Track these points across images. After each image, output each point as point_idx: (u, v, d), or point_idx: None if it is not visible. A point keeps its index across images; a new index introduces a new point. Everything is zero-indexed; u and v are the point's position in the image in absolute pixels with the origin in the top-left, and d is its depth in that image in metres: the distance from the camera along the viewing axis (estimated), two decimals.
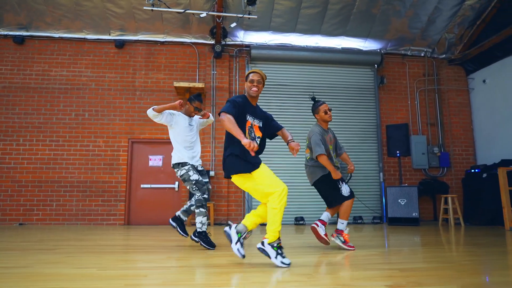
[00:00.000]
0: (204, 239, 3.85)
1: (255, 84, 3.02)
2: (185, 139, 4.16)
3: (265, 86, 8.21)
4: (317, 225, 3.82)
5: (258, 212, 3.00)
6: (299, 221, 7.46)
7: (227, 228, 3.00)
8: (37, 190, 7.38)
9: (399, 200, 7.02)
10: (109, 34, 7.94)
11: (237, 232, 2.92)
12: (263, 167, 2.88)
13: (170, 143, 4.31)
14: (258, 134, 3.08)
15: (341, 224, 3.80)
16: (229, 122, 2.75)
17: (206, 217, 3.92)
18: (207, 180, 4.14)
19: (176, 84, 7.37)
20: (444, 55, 8.71)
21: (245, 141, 2.62)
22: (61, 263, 2.89)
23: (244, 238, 2.94)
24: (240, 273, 2.55)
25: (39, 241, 4.42)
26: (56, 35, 7.86)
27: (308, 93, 8.28)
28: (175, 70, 8.07)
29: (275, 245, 2.80)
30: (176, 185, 7.67)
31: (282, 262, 2.75)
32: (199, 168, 4.20)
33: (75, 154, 7.59)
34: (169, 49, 8.14)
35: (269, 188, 2.77)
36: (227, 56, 8.14)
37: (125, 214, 7.47)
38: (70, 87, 7.79)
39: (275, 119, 3.41)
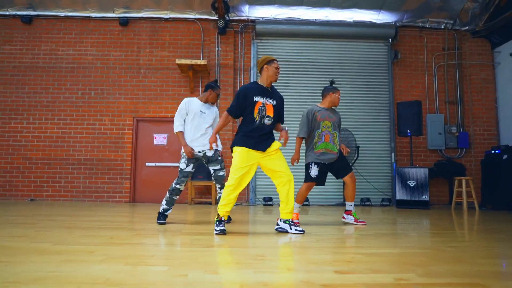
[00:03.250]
0: (160, 217, 3.99)
1: (279, 71, 3.37)
2: (194, 125, 4.04)
3: None
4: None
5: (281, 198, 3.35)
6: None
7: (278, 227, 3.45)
8: (46, 167, 7.59)
9: (408, 182, 6.65)
10: (113, 12, 7.87)
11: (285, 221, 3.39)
12: (237, 151, 3.22)
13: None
14: (270, 113, 3.27)
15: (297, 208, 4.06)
16: (221, 119, 3.31)
17: (168, 205, 3.98)
18: (217, 167, 4.04)
19: (178, 61, 7.23)
20: (466, 27, 8.02)
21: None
22: (24, 237, 2.87)
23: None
24: (182, 252, 2.42)
25: (23, 216, 4.50)
26: (62, 14, 7.88)
27: (316, 69, 7.92)
28: (179, 47, 7.93)
29: (219, 219, 3.26)
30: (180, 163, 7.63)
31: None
32: (209, 154, 4.02)
33: (81, 132, 7.69)
34: (173, 26, 7.98)
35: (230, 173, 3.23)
36: (232, 32, 7.88)
37: (130, 191, 7.56)
38: (76, 66, 7.85)
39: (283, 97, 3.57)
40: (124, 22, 7.87)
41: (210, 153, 4.04)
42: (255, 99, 3.24)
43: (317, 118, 4.03)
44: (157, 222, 4.00)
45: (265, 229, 3.63)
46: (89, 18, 7.94)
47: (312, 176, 4.01)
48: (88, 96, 7.78)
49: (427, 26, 8.05)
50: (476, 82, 7.93)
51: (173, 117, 7.60)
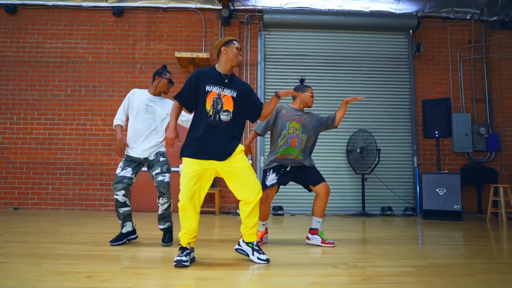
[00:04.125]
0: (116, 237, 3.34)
1: (241, 52, 2.79)
2: (136, 121, 3.34)
3: (280, 56, 7.20)
4: None
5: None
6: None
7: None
8: (32, 172, 6.84)
9: (437, 190, 5.90)
10: (107, 1, 7.14)
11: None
12: (183, 163, 2.58)
13: None
14: (228, 107, 2.61)
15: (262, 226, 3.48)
16: (172, 110, 2.69)
17: (120, 219, 3.33)
18: (157, 171, 3.26)
19: (177, 54, 6.50)
20: (495, 17, 7.26)
21: (166, 134, 2.58)
22: None
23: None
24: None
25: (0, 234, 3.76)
26: (50, 3, 7.15)
27: (329, 63, 7.18)
28: (179, 40, 7.19)
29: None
30: (180, 169, 6.90)
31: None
32: (151, 158, 3.33)
33: (71, 133, 6.95)
34: (172, 17, 7.24)
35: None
36: (237, 23, 7.15)
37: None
38: (65, 60, 7.11)
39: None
40: (118, 12, 7.13)
41: (152, 157, 3.33)
42: (208, 88, 2.61)
43: (283, 116, 3.44)
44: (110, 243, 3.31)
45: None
46: (80, 7, 7.21)
47: (267, 185, 3.36)
48: (78, 93, 7.04)
49: (451, 16, 7.31)
50: (505, 77, 7.19)
51: None
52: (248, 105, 2.76)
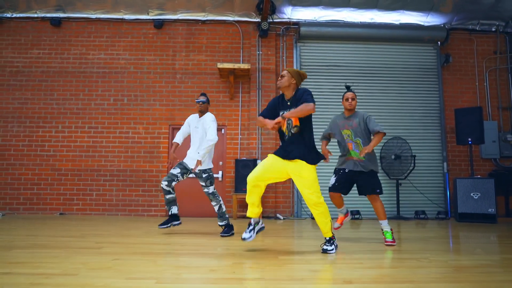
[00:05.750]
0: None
1: (279, 78, 3.20)
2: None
3: (314, 67, 7.49)
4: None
5: None
6: (354, 215, 6.76)
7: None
8: (76, 179, 7.09)
9: (472, 194, 6.18)
10: (148, 14, 7.45)
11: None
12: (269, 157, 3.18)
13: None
14: (296, 123, 2.98)
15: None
16: (258, 122, 3.22)
17: (168, 205, 4.35)
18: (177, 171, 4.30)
19: (219, 65, 6.79)
20: None
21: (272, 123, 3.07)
22: (110, 270, 2.38)
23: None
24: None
25: (81, 237, 4.00)
26: (93, 16, 7.45)
27: (361, 73, 7.49)
28: (217, 51, 7.49)
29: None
30: (220, 175, 7.16)
31: None
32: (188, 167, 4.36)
33: (114, 141, 7.21)
34: (210, 29, 7.56)
35: None
36: (273, 35, 7.46)
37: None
38: (108, 71, 7.39)
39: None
40: (159, 24, 7.44)
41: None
42: (281, 113, 3.17)
43: (339, 125, 3.89)
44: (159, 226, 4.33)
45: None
46: (122, 20, 7.51)
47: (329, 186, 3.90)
48: (121, 102, 7.32)
49: (477, 28, 7.66)
50: None
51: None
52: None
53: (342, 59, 7.53)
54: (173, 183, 4.23)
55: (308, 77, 7.43)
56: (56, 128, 7.22)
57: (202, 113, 4.38)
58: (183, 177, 4.32)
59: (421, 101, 7.51)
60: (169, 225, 4.33)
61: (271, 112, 3.22)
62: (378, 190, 3.67)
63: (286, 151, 3.07)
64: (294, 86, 3.16)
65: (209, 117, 4.31)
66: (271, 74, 7.33)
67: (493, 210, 6.02)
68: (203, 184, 4.29)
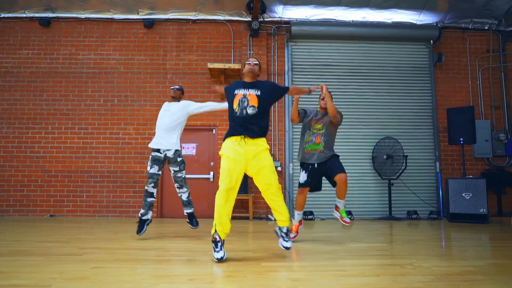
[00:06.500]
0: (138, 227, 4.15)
1: (253, 64, 3.25)
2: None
3: (306, 66, 7.44)
4: None
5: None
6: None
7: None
8: (67, 180, 7.03)
9: (463, 194, 6.16)
10: (138, 13, 7.37)
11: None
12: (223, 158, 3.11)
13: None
14: (253, 103, 3.09)
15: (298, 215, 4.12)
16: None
17: (144, 208, 4.14)
18: (176, 169, 4.27)
19: (210, 65, 6.74)
20: None
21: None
22: (86, 280, 2.34)
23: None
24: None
25: (66, 242, 3.95)
26: (83, 16, 7.37)
27: (353, 73, 7.44)
28: (208, 50, 7.43)
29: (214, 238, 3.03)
30: (211, 175, 7.12)
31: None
32: (169, 155, 4.23)
33: (104, 142, 7.16)
34: (201, 28, 7.49)
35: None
36: (265, 34, 7.40)
37: (158, 206, 7.01)
38: (98, 71, 7.32)
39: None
40: (149, 24, 7.37)
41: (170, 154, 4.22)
42: (235, 91, 3.20)
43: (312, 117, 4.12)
44: (137, 234, 4.12)
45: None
46: (112, 20, 7.43)
47: (300, 182, 4.05)
48: (111, 103, 7.25)
49: (470, 27, 7.61)
50: None
51: (203, 125, 7.13)
52: (270, 101, 3.26)
53: (333, 58, 7.48)
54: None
55: (299, 76, 7.45)
56: (46, 129, 7.15)
57: (174, 99, 4.41)
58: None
59: (413, 101, 7.47)
60: (145, 228, 4.18)
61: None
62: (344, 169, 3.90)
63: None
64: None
65: (185, 100, 4.46)
66: (263, 73, 7.27)
67: (484, 210, 6.00)
68: (177, 169, 4.25)
